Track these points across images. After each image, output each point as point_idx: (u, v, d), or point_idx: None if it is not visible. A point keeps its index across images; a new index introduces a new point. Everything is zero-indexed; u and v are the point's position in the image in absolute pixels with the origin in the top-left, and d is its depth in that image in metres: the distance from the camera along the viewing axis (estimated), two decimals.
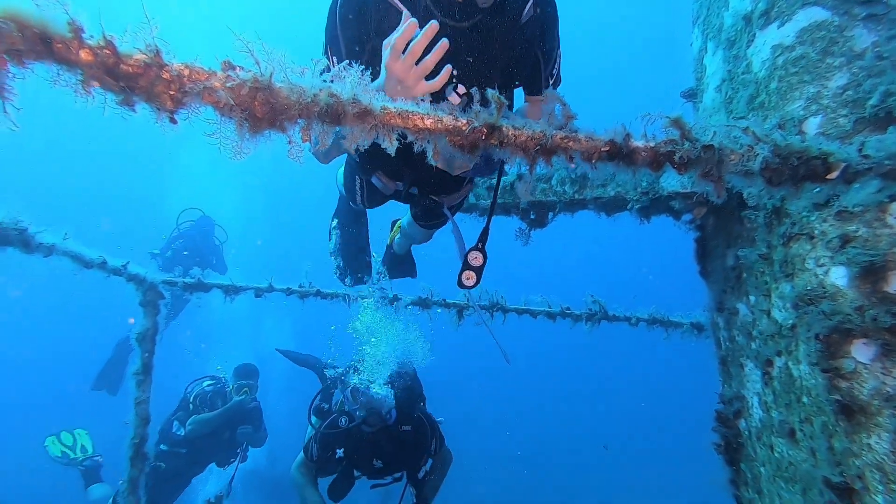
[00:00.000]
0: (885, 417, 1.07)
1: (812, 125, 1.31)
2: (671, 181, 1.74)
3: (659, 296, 3.77)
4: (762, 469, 1.53)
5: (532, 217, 2.48)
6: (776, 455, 1.44)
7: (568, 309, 3.62)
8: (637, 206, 1.87)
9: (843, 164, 0.88)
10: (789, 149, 0.87)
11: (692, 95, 2.02)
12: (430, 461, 4.14)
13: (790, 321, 1.32)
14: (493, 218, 2.82)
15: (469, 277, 1.74)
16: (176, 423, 4.76)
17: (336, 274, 3.17)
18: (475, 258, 1.73)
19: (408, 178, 1.84)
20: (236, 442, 4.96)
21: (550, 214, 2.45)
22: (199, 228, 7.54)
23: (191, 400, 4.81)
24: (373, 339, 4.29)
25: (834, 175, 0.89)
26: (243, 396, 4.73)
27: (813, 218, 1.27)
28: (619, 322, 3.41)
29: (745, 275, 1.53)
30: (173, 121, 0.71)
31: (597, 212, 2.23)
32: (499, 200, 2.55)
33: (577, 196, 2.13)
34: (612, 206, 2.07)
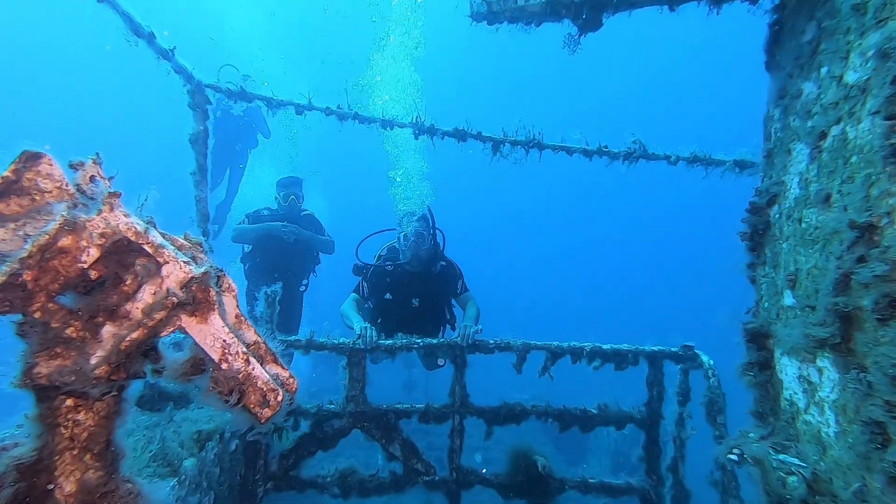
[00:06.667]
0: None
1: None
2: None
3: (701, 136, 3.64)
4: (784, 245, 1.65)
5: (584, 17, 2.31)
6: (803, 226, 1.53)
7: (605, 147, 3.57)
8: None
9: None
10: None
11: None
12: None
13: (865, 76, 1.28)
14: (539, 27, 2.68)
15: None
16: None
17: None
18: None
19: None
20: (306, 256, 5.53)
21: (605, 14, 2.28)
22: None
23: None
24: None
25: None
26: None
27: None
28: (658, 160, 3.38)
29: (823, 44, 1.45)
30: None
31: (660, 5, 2.05)
32: None
33: None
34: None
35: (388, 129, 3.49)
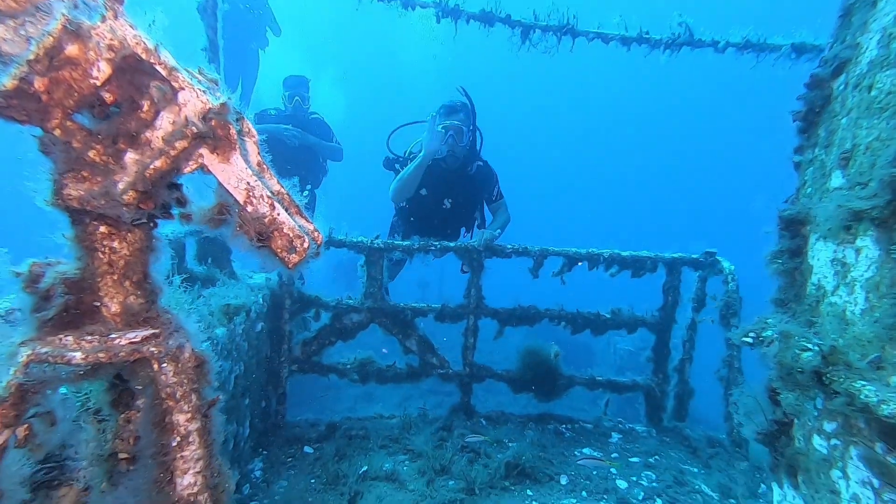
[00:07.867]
0: None
1: None
2: None
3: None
4: (843, 120, 1.51)
5: None
6: (872, 93, 1.38)
7: (647, 33, 3.23)
8: None
9: None
10: None
11: None
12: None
13: None
14: None
15: None
16: None
17: None
18: None
19: None
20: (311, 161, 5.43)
21: None
22: None
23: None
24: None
25: None
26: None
27: None
28: (705, 48, 3.05)
29: None
30: None
31: None
32: None
33: None
34: None
35: (409, 9, 3.19)
